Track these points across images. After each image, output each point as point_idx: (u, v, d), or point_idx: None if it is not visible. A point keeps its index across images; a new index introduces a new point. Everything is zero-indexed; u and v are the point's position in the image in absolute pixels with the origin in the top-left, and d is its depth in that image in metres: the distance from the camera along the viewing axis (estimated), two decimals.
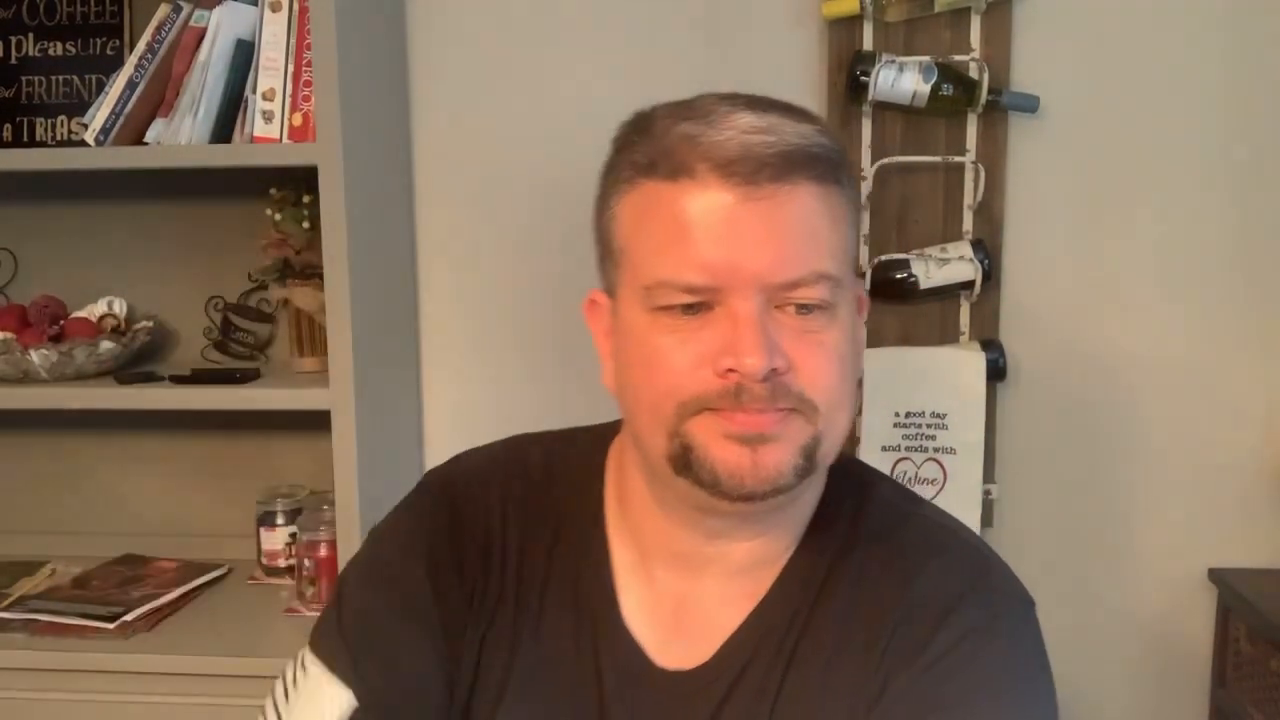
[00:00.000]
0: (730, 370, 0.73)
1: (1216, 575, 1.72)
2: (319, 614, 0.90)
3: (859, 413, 1.71)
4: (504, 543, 0.88)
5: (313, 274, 1.63)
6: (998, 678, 0.77)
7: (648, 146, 0.77)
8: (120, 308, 1.79)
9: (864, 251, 1.69)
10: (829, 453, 0.79)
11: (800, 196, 0.74)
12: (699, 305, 0.74)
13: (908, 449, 1.68)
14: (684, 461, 0.76)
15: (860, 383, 0.81)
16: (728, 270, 0.73)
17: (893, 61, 1.61)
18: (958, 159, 1.66)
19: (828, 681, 0.80)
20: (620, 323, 0.80)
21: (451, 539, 0.88)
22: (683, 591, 0.85)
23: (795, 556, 0.84)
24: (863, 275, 1.67)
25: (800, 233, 0.74)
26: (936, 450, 1.67)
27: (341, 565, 1.08)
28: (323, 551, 1.61)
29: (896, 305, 1.70)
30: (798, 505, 0.84)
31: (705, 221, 0.73)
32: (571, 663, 0.85)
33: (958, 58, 1.63)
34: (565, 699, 0.85)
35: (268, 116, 1.52)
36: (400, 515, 0.93)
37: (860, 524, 0.85)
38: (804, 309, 0.75)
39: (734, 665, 0.83)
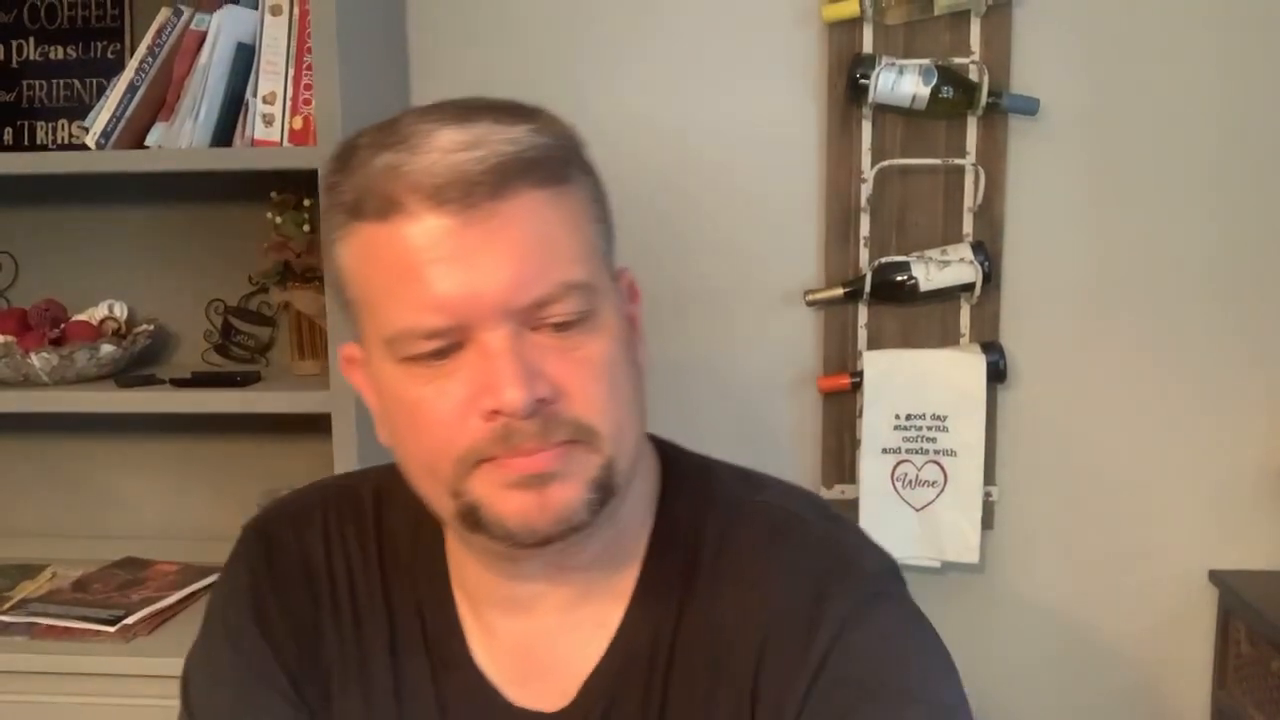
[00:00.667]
0: (495, 411, 0.66)
1: (1217, 577, 1.72)
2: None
3: (858, 414, 1.71)
4: (331, 577, 0.82)
5: (313, 277, 1.64)
6: (881, 669, 0.72)
7: (352, 185, 0.69)
8: (121, 311, 1.79)
9: (864, 254, 1.69)
10: (625, 472, 0.72)
11: (526, 207, 0.67)
12: (448, 347, 0.67)
13: (908, 451, 1.68)
14: (474, 520, 0.70)
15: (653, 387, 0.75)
16: (466, 304, 0.66)
17: (893, 64, 1.61)
18: (958, 161, 1.66)
19: (707, 709, 0.74)
20: (376, 378, 0.73)
21: (274, 586, 0.82)
22: (525, 635, 0.79)
23: (644, 576, 0.78)
24: (861, 278, 1.67)
25: (535, 246, 0.67)
26: (937, 452, 1.67)
27: None
28: None
29: (897, 307, 1.70)
30: (624, 524, 0.77)
31: (428, 256, 0.66)
32: (431, 709, 0.79)
33: (958, 60, 1.63)
34: None
35: (268, 120, 1.52)
36: (221, 579, 0.87)
37: (705, 527, 0.78)
38: (560, 325, 0.68)
39: (599, 703, 0.76)
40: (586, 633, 0.78)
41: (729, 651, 0.75)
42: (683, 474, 0.82)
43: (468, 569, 0.80)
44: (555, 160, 0.70)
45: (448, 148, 0.66)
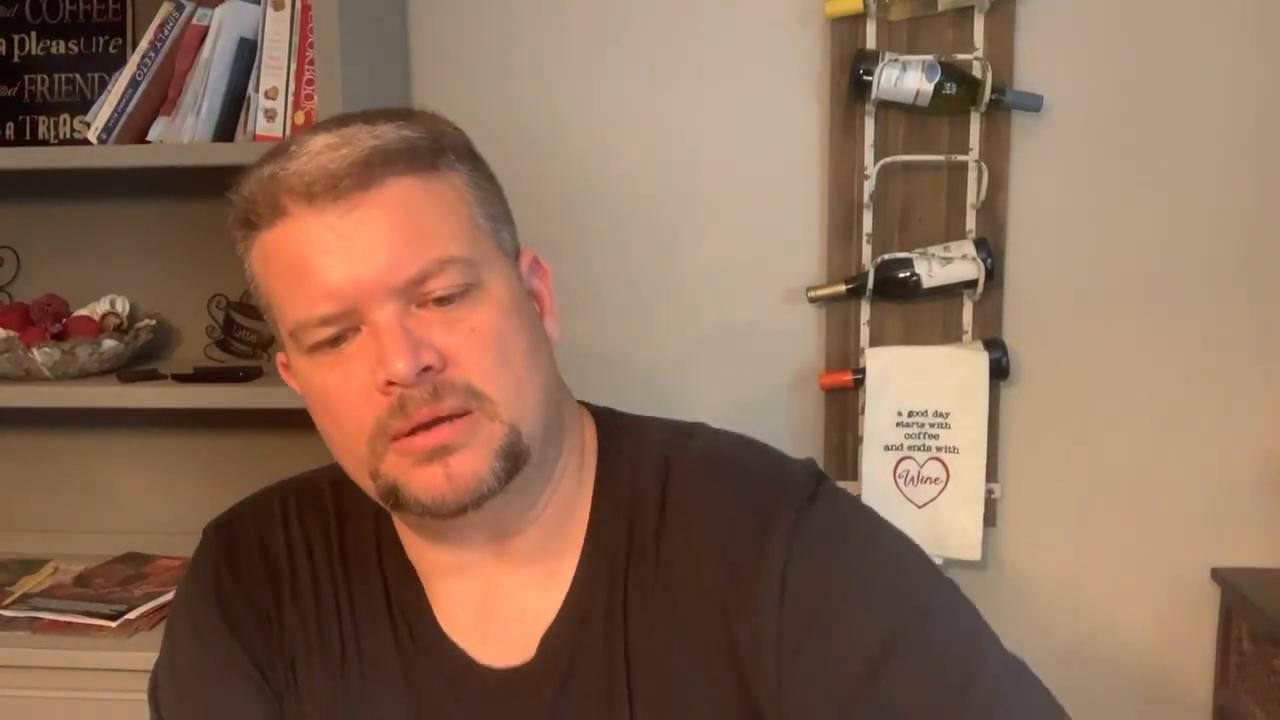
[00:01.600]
0: (390, 383, 0.72)
1: (1219, 575, 1.72)
2: None
3: (860, 411, 1.71)
4: (292, 563, 0.86)
5: None
6: (837, 553, 0.78)
7: (243, 201, 0.77)
8: (123, 306, 1.79)
9: (867, 250, 1.69)
10: (535, 436, 0.77)
11: (393, 194, 0.73)
12: (345, 333, 0.74)
13: (910, 448, 1.68)
14: (394, 499, 0.76)
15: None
16: (350, 288, 0.72)
17: (896, 60, 1.60)
18: (961, 158, 1.66)
19: (670, 644, 0.79)
20: (297, 376, 0.79)
21: (236, 579, 0.86)
22: (480, 597, 0.83)
23: (591, 531, 0.82)
24: (864, 275, 1.67)
25: (407, 228, 0.73)
26: (939, 449, 1.67)
27: None
28: None
29: (899, 304, 1.70)
30: (562, 485, 0.82)
31: (311, 250, 0.73)
32: (396, 674, 0.83)
33: (961, 56, 1.63)
34: (396, 712, 0.83)
35: (270, 115, 1.52)
36: (184, 580, 0.91)
37: (643, 480, 0.83)
38: (444, 299, 0.73)
39: (562, 657, 0.80)
40: (539, 588, 0.82)
41: (687, 587, 0.79)
42: (618, 435, 0.86)
43: (413, 542, 0.84)
44: (422, 150, 0.75)
45: (317, 150, 0.73)
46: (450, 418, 0.73)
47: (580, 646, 0.80)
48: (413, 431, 0.73)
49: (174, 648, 0.88)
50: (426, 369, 0.72)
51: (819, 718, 0.74)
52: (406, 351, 0.71)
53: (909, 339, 1.72)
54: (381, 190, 0.72)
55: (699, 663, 0.78)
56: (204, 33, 1.55)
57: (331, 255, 0.72)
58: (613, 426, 0.87)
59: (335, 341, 0.74)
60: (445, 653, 0.83)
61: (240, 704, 0.84)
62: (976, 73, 1.62)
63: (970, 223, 1.68)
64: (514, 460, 0.75)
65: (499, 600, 0.83)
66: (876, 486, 1.69)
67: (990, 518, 1.73)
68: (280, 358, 0.83)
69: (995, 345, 1.68)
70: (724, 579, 0.78)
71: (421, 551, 0.84)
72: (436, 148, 0.76)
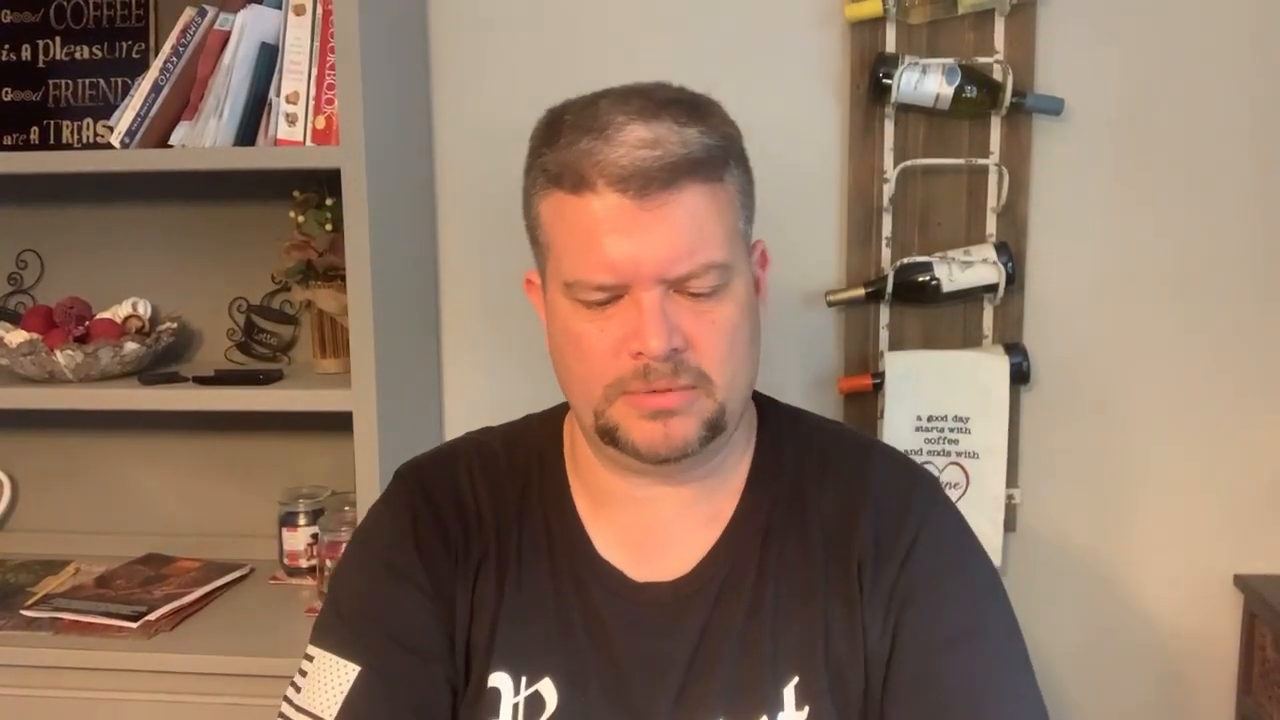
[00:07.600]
0: (640, 353, 0.86)
1: (1242, 581, 1.71)
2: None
3: (880, 415, 1.70)
4: (477, 507, 1.00)
5: (335, 276, 1.64)
6: (952, 543, 0.98)
7: (555, 158, 0.88)
8: (144, 309, 1.81)
9: (886, 254, 1.69)
10: (735, 413, 0.92)
11: (687, 199, 0.85)
12: (610, 298, 0.87)
13: (930, 452, 1.67)
14: (610, 437, 0.91)
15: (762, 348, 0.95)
16: (630, 269, 0.85)
17: (916, 63, 1.60)
18: (981, 161, 1.65)
19: (807, 578, 0.95)
20: (549, 304, 0.93)
21: (432, 512, 1.00)
22: (645, 526, 0.98)
23: (751, 481, 0.99)
24: (883, 279, 1.66)
25: (689, 231, 0.85)
26: (959, 454, 1.66)
27: None
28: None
29: (919, 308, 1.69)
30: (731, 446, 0.97)
31: (607, 228, 0.85)
32: (552, 597, 0.97)
33: (981, 60, 1.62)
34: (554, 625, 0.96)
35: (291, 119, 1.53)
36: (379, 507, 1.04)
37: (800, 446, 1.01)
38: (698, 294, 0.87)
39: (715, 576, 0.95)
40: (701, 523, 0.98)
41: (838, 530, 0.96)
42: (777, 413, 1.05)
43: (597, 473, 0.99)
44: (715, 161, 0.88)
45: (634, 144, 0.84)
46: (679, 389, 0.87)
47: (735, 567, 0.96)
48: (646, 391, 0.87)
49: (364, 569, 1.00)
50: (674, 350, 0.85)
51: (900, 662, 0.92)
52: (663, 333, 0.84)
53: (929, 343, 1.71)
54: (679, 194, 0.84)
55: (827, 596, 0.94)
56: (226, 38, 1.56)
57: (622, 237, 0.84)
58: (770, 404, 1.06)
59: (602, 302, 0.87)
60: (602, 570, 0.97)
61: (411, 605, 0.96)
62: (997, 76, 1.62)
63: (991, 226, 1.68)
64: (716, 431, 0.90)
65: (659, 530, 0.97)
66: None
67: (1010, 523, 1.72)
68: (530, 275, 0.98)
69: (1016, 349, 1.67)
70: (867, 540, 0.95)
71: (604, 481, 0.98)
72: (725, 157, 0.89)
